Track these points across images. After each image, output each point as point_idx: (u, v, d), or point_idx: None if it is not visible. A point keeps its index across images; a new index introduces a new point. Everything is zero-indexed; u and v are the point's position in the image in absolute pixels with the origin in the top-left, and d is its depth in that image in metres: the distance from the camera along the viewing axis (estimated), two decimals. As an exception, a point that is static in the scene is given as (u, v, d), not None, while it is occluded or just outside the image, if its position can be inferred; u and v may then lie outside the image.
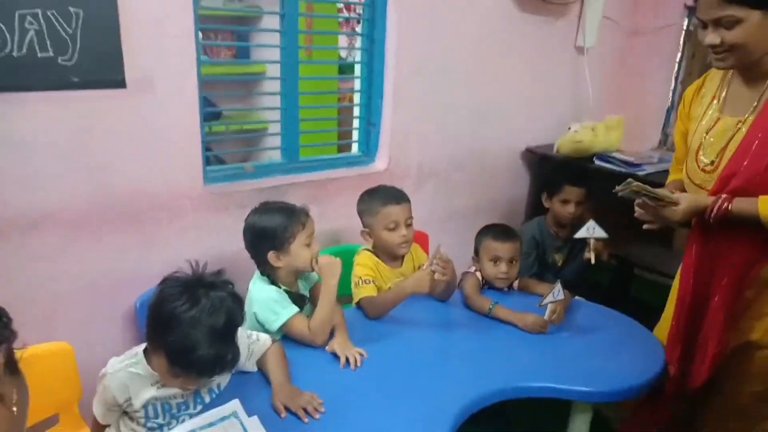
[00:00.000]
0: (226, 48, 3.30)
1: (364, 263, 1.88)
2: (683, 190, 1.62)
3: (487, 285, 1.97)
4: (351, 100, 2.52)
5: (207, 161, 2.00)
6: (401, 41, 2.26)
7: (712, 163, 1.50)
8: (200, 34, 1.87)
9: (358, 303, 1.81)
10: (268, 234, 1.63)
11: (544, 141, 2.86)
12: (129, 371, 1.30)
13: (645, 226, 1.59)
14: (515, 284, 2.01)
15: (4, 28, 1.44)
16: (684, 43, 3.17)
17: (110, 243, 1.79)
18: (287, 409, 1.32)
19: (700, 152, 1.54)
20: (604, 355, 1.63)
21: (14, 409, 0.70)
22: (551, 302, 1.68)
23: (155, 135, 1.78)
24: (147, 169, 1.79)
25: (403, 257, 1.96)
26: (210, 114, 2.64)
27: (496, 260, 1.92)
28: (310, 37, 2.92)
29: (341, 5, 2.84)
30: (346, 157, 2.42)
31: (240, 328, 1.35)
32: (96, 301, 1.80)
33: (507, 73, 2.67)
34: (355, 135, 2.47)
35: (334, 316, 1.62)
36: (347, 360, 1.52)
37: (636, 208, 1.58)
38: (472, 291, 1.87)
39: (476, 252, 2.01)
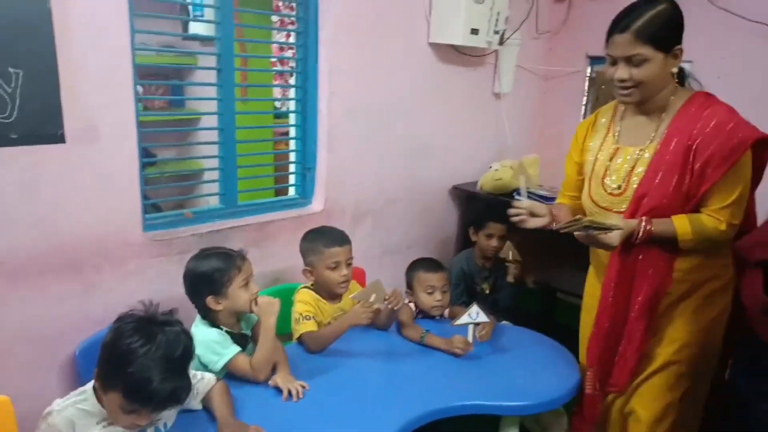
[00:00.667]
0: (159, 99, 3.37)
1: (305, 300, 1.98)
2: (574, 213, 1.78)
3: (420, 314, 2.10)
4: (287, 145, 2.64)
5: (145, 209, 2.05)
6: (332, 90, 2.42)
7: (620, 187, 1.65)
8: (139, 88, 1.95)
9: (299, 338, 1.90)
10: (206, 279, 1.71)
11: (470, 179, 3.08)
12: (77, 407, 1.33)
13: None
14: (446, 312, 2.15)
15: (-56, 87, 1.49)
16: (588, 87, 3.52)
17: (51, 291, 1.81)
18: None
19: (606, 178, 1.69)
20: (528, 373, 1.79)
21: None
22: (467, 323, 1.85)
23: (95, 184, 1.83)
24: (88, 217, 1.84)
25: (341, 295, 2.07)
26: (147, 163, 2.71)
27: (431, 290, 2.07)
28: (245, 88, 3.05)
29: (275, 60, 2.99)
30: (283, 200, 2.53)
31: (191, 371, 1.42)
32: (35, 350, 1.80)
33: (434, 116, 2.89)
34: (292, 179, 2.59)
35: (275, 353, 1.70)
36: (290, 393, 1.59)
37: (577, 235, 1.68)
38: (407, 320, 2.00)
39: (409, 285, 2.15)
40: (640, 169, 1.61)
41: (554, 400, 1.67)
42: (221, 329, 1.73)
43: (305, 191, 2.54)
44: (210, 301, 1.70)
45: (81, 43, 1.71)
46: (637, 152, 1.63)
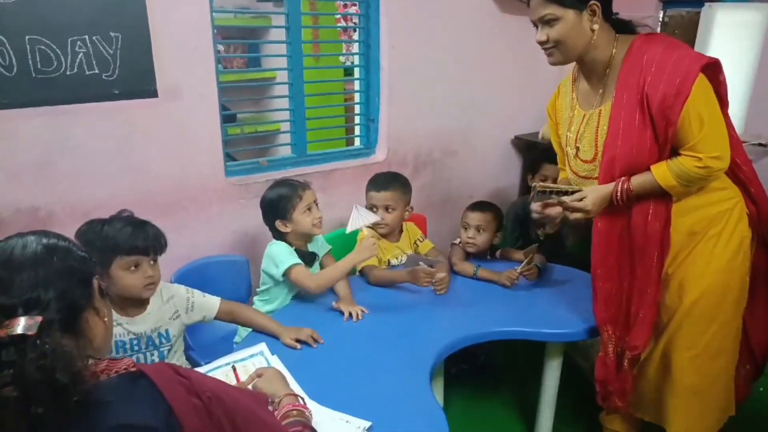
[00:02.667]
0: (238, 58, 3.61)
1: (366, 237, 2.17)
2: None
3: (470, 255, 2.25)
4: (354, 98, 2.81)
5: (226, 158, 2.30)
6: (393, 45, 2.55)
7: (591, 153, 1.62)
8: (221, 47, 2.18)
9: (361, 271, 2.11)
10: (273, 205, 1.95)
11: (532, 129, 3.13)
12: None
13: (541, 231, 1.78)
14: (498, 253, 2.29)
15: (59, 52, 1.77)
16: (660, 32, 3.41)
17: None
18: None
19: (579, 146, 1.66)
20: (571, 305, 1.90)
21: (105, 320, 0.97)
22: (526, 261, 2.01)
23: (183, 136, 2.10)
24: (177, 166, 2.11)
25: (392, 234, 2.25)
26: (226, 117, 2.97)
27: (466, 227, 2.22)
28: (318, 46, 3.23)
29: (339, 17, 3.13)
30: (349, 150, 2.72)
31: (185, 287, 1.73)
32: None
33: (494, 67, 2.94)
34: (357, 130, 2.76)
35: (339, 279, 1.91)
36: (350, 315, 1.81)
37: (533, 213, 1.69)
38: (457, 259, 2.15)
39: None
40: (604, 130, 1.58)
41: (594, 328, 1.78)
42: (291, 246, 1.96)
43: (369, 142, 2.72)
44: (278, 224, 1.94)
45: (167, 9, 1.94)
46: (596, 114, 1.60)
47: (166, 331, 1.70)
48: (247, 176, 2.34)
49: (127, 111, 1.95)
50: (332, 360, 1.60)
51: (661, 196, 1.54)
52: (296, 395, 1.27)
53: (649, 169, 1.52)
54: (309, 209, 1.95)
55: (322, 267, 2.09)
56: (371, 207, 2.17)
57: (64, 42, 1.77)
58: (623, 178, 1.54)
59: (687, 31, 3.34)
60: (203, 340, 2.18)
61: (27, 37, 1.71)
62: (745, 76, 3.18)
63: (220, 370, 1.52)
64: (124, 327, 1.62)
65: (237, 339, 1.97)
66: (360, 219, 1.85)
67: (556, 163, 2.55)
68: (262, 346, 1.60)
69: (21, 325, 0.79)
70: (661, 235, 1.57)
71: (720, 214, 1.59)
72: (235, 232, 2.30)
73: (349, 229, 1.85)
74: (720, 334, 1.63)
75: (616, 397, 1.74)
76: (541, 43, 1.53)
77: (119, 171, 1.99)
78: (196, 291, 1.77)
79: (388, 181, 2.22)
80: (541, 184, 1.65)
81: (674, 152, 1.51)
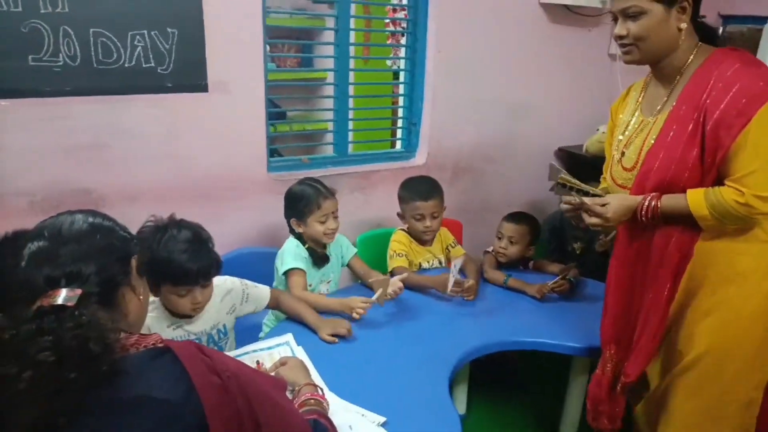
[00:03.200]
0: (291, 58, 3.70)
1: (399, 240, 2.21)
2: None
3: (503, 264, 2.25)
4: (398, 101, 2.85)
5: (270, 154, 2.38)
6: (439, 51, 2.57)
7: (634, 160, 1.49)
8: (267, 47, 2.25)
9: (391, 271, 2.14)
10: (292, 203, 2.01)
11: (574, 141, 3.09)
12: (151, 316, 1.54)
13: (578, 245, 1.69)
14: (531, 264, 2.28)
15: (119, 45, 1.88)
16: (719, 49, 3.31)
17: (189, 215, 2.19)
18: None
19: (625, 151, 1.53)
20: (597, 320, 1.86)
21: (141, 297, 1.02)
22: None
23: (229, 129, 2.18)
24: (221, 156, 2.20)
25: (431, 240, 2.28)
26: (275, 114, 3.07)
27: (500, 237, 2.22)
28: (368, 49, 3.29)
29: (388, 20, 3.18)
30: (389, 152, 2.76)
31: (238, 279, 1.73)
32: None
33: (540, 77, 2.92)
34: (399, 133, 2.80)
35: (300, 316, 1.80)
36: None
37: (563, 205, 1.57)
38: (489, 267, 2.16)
39: None
40: (652, 141, 1.44)
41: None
42: (304, 245, 2.00)
43: (410, 145, 2.75)
44: (293, 222, 2.00)
45: (222, 7, 2.03)
46: (652, 123, 1.46)
47: (224, 326, 1.73)
48: (289, 172, 2.41)
49: (178, 102, 2.05)
50: (355, 355, 1.64)
51: (691, 225, 1.38)
52: (316, 385, 1.31)
53: (684, 191, 1.37)
54: (324, 219, 1.97)
55: (351, 269, 2.13)
56: (418, 216, 2.18)
57: (125, 35, 1.88)
58: (654, 194, 1.41)
59: (747, 47, 3.22)
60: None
61: (91, 30, 1.82)
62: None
63: (246, 356, 1.58)
64: (184, 329, 1.63)
65: (262, 335, 2.02)
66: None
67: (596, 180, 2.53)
68: (288, 337, 1.66)
69: (62, 296, 0.83)
70: (678, 267, 1.43)
71: (751, 269, 1.38)
72: (274, 226, 2.37)
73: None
74: (723, 399, 1.44)
75: (606, 418, 1.66)
76: (618, 38, 1.39)
77: (166, 158, 2.09)
78: (248, 282, 1.79)
79: (432, 189, 2.24)
80: (564, 176, 1.54)
81: (719, 182, 1.34)
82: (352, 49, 2.45)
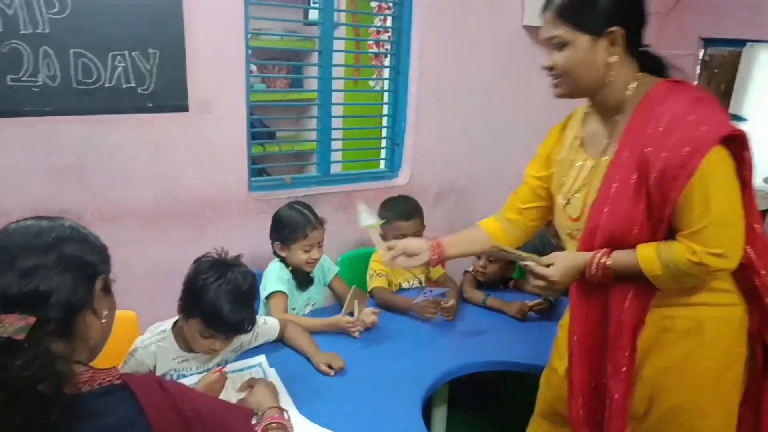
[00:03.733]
0: (282, 79, 3.73)
1: (379, 260, 2.20)
2: (481, 243, 1.56)
3: (482, 283, 2.25)
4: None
5: (252, 173, 2.39)
6: (423, 71, 2.60)
7: (578, 210, 1.34)
8: (253, 67, 2.27)
9: (370, 291, 2.14)
10: (280, 228, 2.01)
11: (559, 162, 3.11)
12: (158, 345, 1.58)
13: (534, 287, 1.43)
14: (511, 284, 2.28)
15: (100, 65, 1.89)
16: (700, 71, 3.35)
17: (174, 236, 2.20)
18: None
19: (570, 198, 1.37)
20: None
21: (103, 321, 0.93)
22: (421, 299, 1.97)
23: (211, 149, 2.19)
24: (202, 176, 2.20)
25: None
26: (265, 134, 3.10)
27: (478, 256, 2.23)
28: (358, 70, 3.32)
29: (372, 42, 3.22)
30: (372, 171, 2.77)
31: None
32: (160, 282, 2.19)
33: (522, 98, 2.94)
34: (383, 153, 2.82)
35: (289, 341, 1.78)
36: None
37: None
38: (468, 286, 2.16)
39: None
40: (595, 192, 1.30)
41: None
42: (287, 267, 2.00)
43: (393, 165, 2.76)
44: (276, 246, 2.01)
45: (203, 29, 2.05)
46: (594, 165, 1.32)
47: (225, 362, 1.68)
48: (271, 192, 2.41)
49: (159, 122, 2.06)
50: (328, 377, 1.63)
51: (646, 283, 1.24)
52: (282, 409, 1.31)
53: (635, 246, 1.23)
54: (309, 248, 1.97)
55: (332, 290, 2.13)
56: (399, 236, 2.16)
57: (105, 56, 1.90)
58: (604, 250, 1.25)
59: (727, 71, 3.28)
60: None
61: (71, 51, 1.84)
62: (786, 121, 3.09)
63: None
64: (190, 363, 1.62)
65: None
66: (367, 216, 1.74)
67: None
68: (261, 359, 1.65)
69: (12, 328, 0.75)
70: (635, 330, 1.26)
71: (714, 320, 1.26)
72: (256, 246, 2.36)
73: (363, 224, 1.72)
74: None
75: None
76: (547, 69, 1.27)
77: (148, 178, 2.10)
78: (259, 318, 1.72)
79: (412, 209, 2.25)
80: (496, 245, 1.44)
81: (672, 234, 1.20)
82: (340, 70, 2.48)
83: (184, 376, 1.62)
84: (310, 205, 2.10)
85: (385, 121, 2.77)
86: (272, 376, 1.58)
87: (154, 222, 2.16)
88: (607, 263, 1.24)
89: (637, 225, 1.21)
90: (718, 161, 1.12)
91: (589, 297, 1.34)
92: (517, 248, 1.50)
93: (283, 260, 2.02)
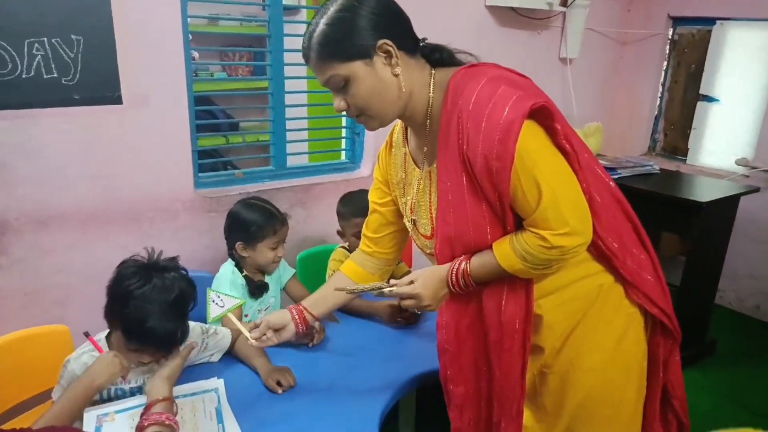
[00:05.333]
0: (243, 66, 3.50)
1: (338, 258, 2.06)
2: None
3: None
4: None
5: (199, 168, 2.21)
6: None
7: (429, 226, 1.27)
8: (194, 53, 2.09)
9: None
10: (242, 227, 1.83)
11: (528, 148, 2.99)
12: (91, 354, 1.42)
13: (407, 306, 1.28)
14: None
15: (15, 54, 1.70)
16: (669, 51, 3.26)
17: (115, 239, 2.02)
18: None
19: (416, 217, 1.31)
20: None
21: None
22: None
23: (151, 145, 2.01)
24: (143, 174, 2.02)
25: None
26: (228, 125, 2.94)
27: None
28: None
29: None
30: (332, 163, 2.61)
31: (200, 325, 1.55)
32: (99, 290, 2.02)
33: (489, 83, 2.82)
34: (344, 144, 2.66)
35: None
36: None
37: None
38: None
39: None
40: (435, 198, 1.22)
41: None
42: (241, 272, 1.84)
43: (354, 156, 2.61)
44: (239, 246, 1.83)
45: (135, 13, 1.86)
46: (426, 177, 1.25)
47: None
48: (219, 188, 2.24)
49: (90, 116, 1.87)
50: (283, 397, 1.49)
51: (515, 280, 1.17)
52: (172, 402, 1.24)
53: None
54: (275, 246, 1.83)
55: (288, 293, 1.98)
56: (359, 234, 2.02)
57: (20, 44, 1.70)
58: (462, 257, 1.18)
59: (697, 50, 3.19)
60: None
61: (-20, 38, 1.64)
62: (758, 99, 3.02)
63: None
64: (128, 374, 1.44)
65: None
66: (216, 307, 1.45)
67: None
68: (219, 384, 1.48)
69: None
70: (523, 324, 1.17)
71: (597, 288, 1.19)
72: (206, 247, 2.20)
73: (211, 318, 1.43)
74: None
75: None
76: (341, 112, 1.16)
77: (82, 177, 1.91)
78: (210, 328, 1.59)
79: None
80: (346, 288, 1.35)
81: (520, 222, 1.13)
82: (297, 56, 2.29)
83: (123, 390, 1.46)
84: (267, 200, 1.94)
85: (344, 109, 2.60)
86: (226, 406, 1.42)
87: (91, 225, 1.97)
88: (468, 269, 1.17)
89: (487, 224, 1.14)
90: (530, 140, 1.04)
91: (460, 307, 1.24)
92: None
93: (238, 263, 1.87)
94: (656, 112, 3.32)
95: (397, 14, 1.14)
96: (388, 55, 1.10)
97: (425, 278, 1.22)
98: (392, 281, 1.27)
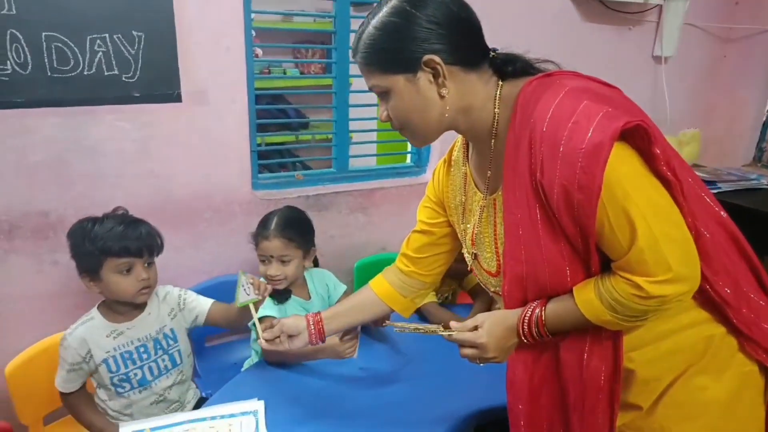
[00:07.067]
0: (316, 64, 3.43)
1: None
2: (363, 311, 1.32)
3: None
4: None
5: (258, 169, 2.14)
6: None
7: (494, 262, 1.11)
8: (257, 50, 2.01)
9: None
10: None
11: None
12: (85, 326, 1.52)
13: (469, 359, 1.10)
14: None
15: (77, 50, 1.67)
16: (784, 50, 2.88)
17: (167, 240, 1.98)
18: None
19: (478, 251, 1.15)
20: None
21: None
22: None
23: (208, 143, 1.95)
24: (200, 174, 1.96)
25: None
26: (298, 125, 2.90)
27: None
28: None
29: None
30: (396, 167, 2.47)
31: (177, 288, 1.69)
32: (152, 292, 2.00)
33: (571, 84, 2.59)
34: (410, 146, 2.52)
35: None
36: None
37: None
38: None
39: None
40: (501, 232, 1.05)
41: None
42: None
43: (420, 159, 2.46)
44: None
45: (196, 8, 1.79)
46: (491, 205, 1.08)
47: (171, 330, 1.64)
48: (278, 190, 2.16)
49: (148, 114, 1.83)
50: (331, 421, 1.38)
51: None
52: None
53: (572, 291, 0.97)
54: (265, 260, 1.71)
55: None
56: None
57: (83, 40, 1.67)
58: (536, 302, 1.01)
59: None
60: (211, 365, 2.03)
61: (43, 34, 1.62)
62: None
63: (203, 422, 1.34)
64: (126, 335, 1.55)
65: (248, 363, 1.78)
66: (248, 295, 1.49)
67: None
68: (259, 405, 1.39)
69: None
70: (610, 382, 0.98)
71: (705, 340, 0.99)
72: (260, 250, 2.13)
73: (240, 303, 1.48)
74: None
75: None
76: (385, 122, 1.06)
77: (137, 176, 1.88)
78: (189, 291, 1.72)
79: None
80: (401, 325, 1.20)
81: (607, 262, 0.95)
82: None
83: (129, 353, 1.56)
84: (295, 213, 1.80)
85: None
86: (263, 430, 1.33)
87: (146, 225, 1.94)
88: (542, 315, 0.99)
89: (566, 264, 0.95)
90: (621, 167, 0.85)
91: (533, 359, 1.06)
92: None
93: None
94: (764, 118, 2.95)
95: (460, 23, 0.98)
96: (435, 72, 0.96)
97: (491, 324, 1.05)
98: (453, 324, 1.10)
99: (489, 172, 1.06)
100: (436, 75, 0.96)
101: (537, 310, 1.00)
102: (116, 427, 1.40)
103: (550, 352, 1.04)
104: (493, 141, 1.03)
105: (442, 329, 1.12)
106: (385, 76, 0.98)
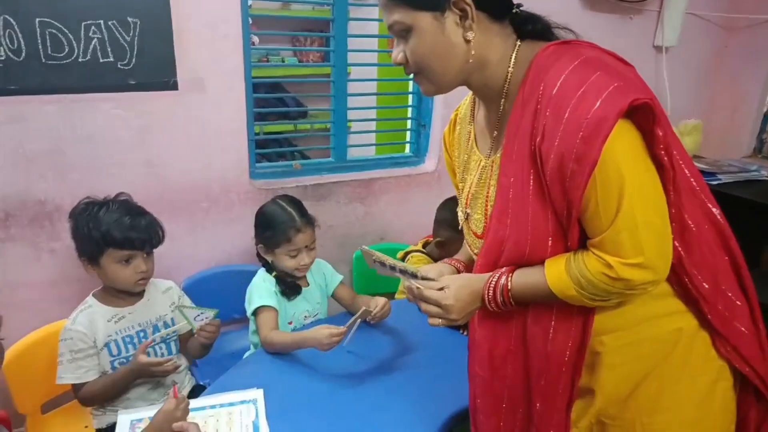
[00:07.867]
0: (314, 52, 3.41)
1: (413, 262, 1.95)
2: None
3: None
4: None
5: (256, 159, 2.13)
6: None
7: (482, 225, 1.08)
8: (254, 38, 1.99)
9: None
10: (261, 228, 1.75)
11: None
12: (85, 313, 1.54)
13: (430, 321, 1.06)
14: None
15: (71, 37, 1.65)
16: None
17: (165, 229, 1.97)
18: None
19: (470, 211, 1.12)
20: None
21: None
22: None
23: (206, 132, 1.93)
24: (197, 163, 1.95)
25: None
26: (296, 113, 2.87)
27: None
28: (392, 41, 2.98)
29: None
30: (395, 157, 2.46)
31: (179, 290, 1.71)
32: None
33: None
34: (409, 136, 2.50)
35: (288, 350, 1.58)
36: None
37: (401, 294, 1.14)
38: None
39: None
40: (493, 195, 1.03)
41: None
42: (271, 273, 1.74)
43: (419, 149, 2.45)
44: (260, 249, 1.76)
45: (192, -6, 1.78)
46: (489, 168, 1.06)
47: (172, 320, 1.66)
48: (276, 180, 2.15)
49: (144, 102, 1.81)
50: (327, 411, 1.38)
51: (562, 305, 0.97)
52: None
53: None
54: (296, 253, 1.70)
55: (338, 300, 1.87)
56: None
57: (77, 27, 1.65)
58: (504, 268, 0.99)
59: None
60: (208, 355, 2.02)
61: (37, 20, 1.61)
62: None
63: (203, 411, 1.35)
64: (128, 319, 1.58)
65: (249, 353, 1.78)
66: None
67: None
68: (258, 394, 1.40)
69: None
70: (574, 357, 0.98)
71: (676, 332, 0.98)
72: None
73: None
74: None
75: None
76: (397, 65, 1.01)
77: (134, 165, 1.86)
78: (185, 297, 1.75)
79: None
80: (366, 249, 1.13)
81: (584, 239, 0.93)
82: (362, 42, 2.18)
83: (131, 337, 1.58)
84: (298, 200, 1.81)
85: (410, 99, 2.44)
86: (263, 420, 1.33)
87: (143, 214, 1.93)
88: (508, 283, 0.98)
89: (549, 235, 0.93)
90: (622, 144, 0.84)
91: (498, 326, 1.05)
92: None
93: (267, 265, 1.76)
94: (766, 109, 2.93)
95: None
96: (464, 14, 0.93)
97: (458, 288, 1.03)
98: (422, 280, 1.06)
99: (495, 132, 1.04)
100: (463, 17, 0.93)
101: (503, 278, 0.98)
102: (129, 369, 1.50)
103: (517, 323, 1.03)
104: (503, 101, 1.00)
105: (415, 278, 1.07)
106: (410, 12, 0.93)
